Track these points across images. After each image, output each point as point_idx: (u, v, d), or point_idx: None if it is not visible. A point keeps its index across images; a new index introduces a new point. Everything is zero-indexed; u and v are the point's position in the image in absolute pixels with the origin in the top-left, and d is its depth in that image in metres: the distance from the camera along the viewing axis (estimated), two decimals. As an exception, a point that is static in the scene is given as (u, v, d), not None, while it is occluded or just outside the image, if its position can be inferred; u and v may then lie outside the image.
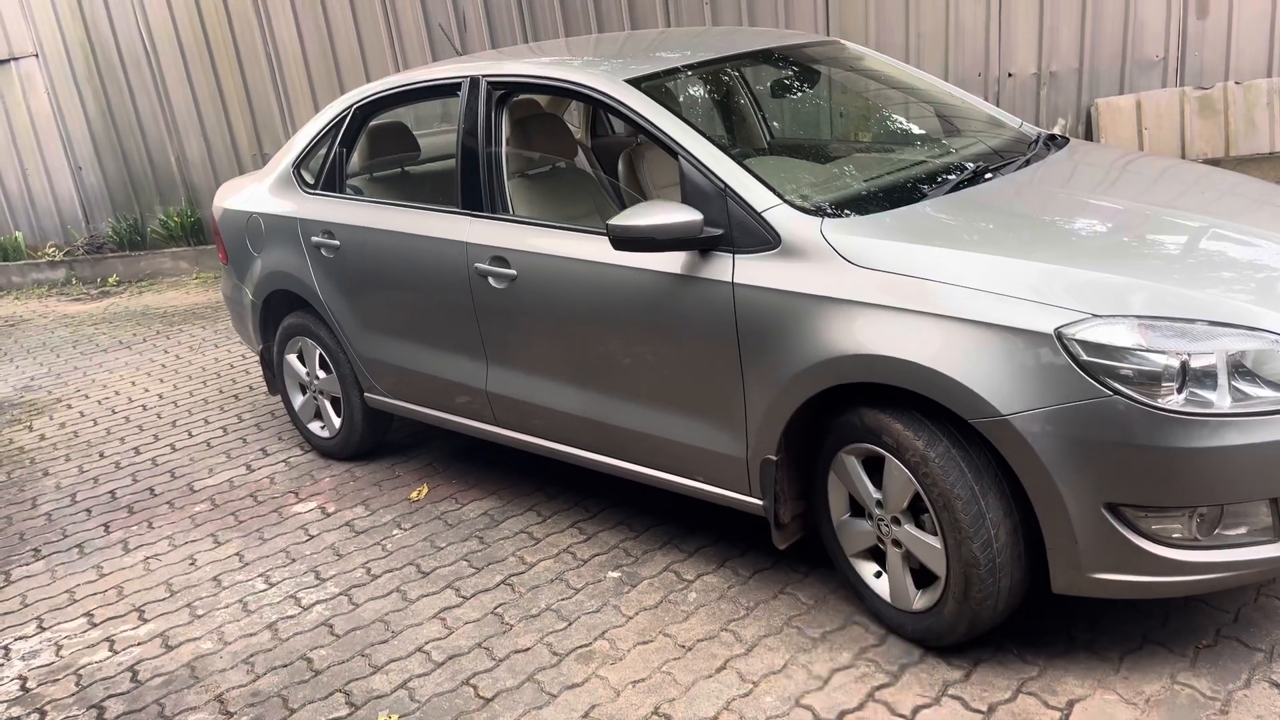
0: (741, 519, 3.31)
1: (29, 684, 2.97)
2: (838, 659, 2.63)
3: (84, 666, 3.03)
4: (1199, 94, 6.25)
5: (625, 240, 2.72)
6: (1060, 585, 2.35)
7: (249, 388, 5.44)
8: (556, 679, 2.69)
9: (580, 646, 2.82)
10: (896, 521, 2.57)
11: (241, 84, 8.36)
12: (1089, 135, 6.50)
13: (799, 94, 4.26)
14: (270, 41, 8.16)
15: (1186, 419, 2.12)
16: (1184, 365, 2.14)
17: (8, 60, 8.98)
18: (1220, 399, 2.13)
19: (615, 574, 3.17)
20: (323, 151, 4.08)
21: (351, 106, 3.97)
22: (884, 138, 4.11)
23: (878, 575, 2.73)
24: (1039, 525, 2.32)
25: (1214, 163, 6.16)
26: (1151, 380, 2.14)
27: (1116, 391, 2.15)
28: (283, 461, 4.40)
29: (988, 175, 2.96)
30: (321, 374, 4.23)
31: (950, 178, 2.94)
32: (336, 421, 4.24)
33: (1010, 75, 6.57)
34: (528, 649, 2.84)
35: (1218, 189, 2.99)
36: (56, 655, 3.11)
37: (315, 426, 4.38)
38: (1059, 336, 2.19)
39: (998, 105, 6.47)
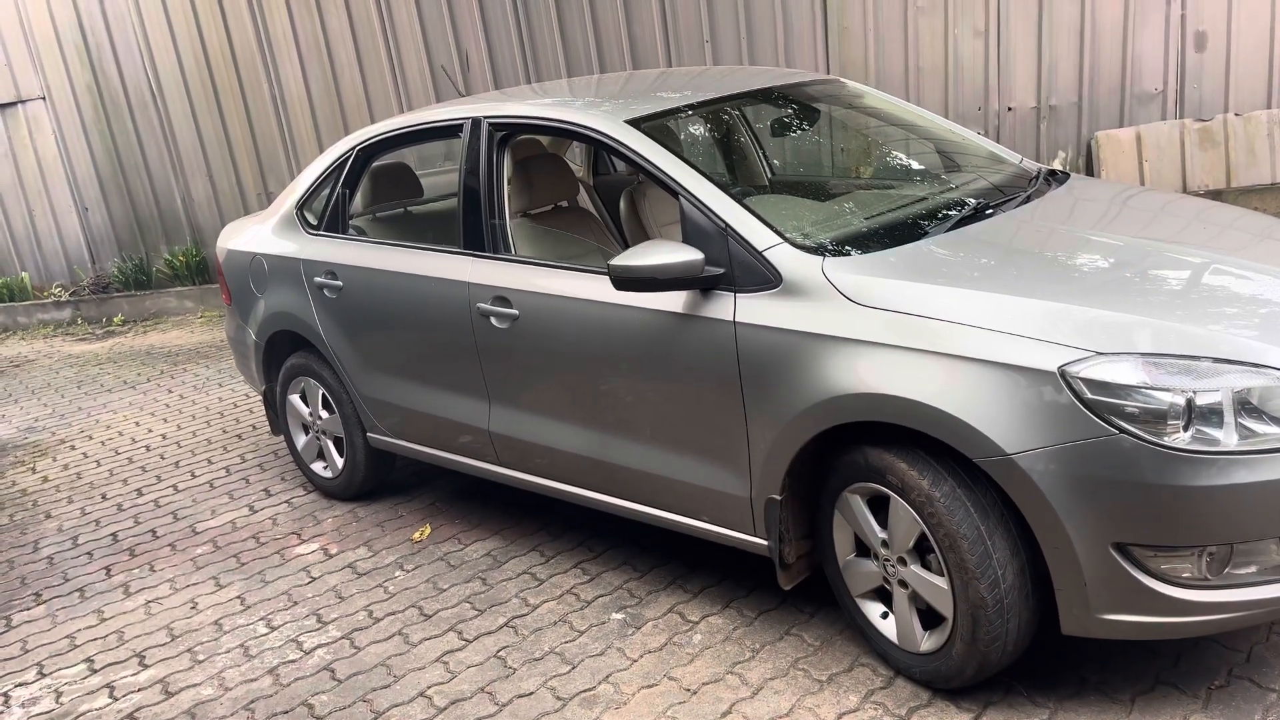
0: (746, 558, 3.29)
1: (27, 732, 2.94)
2: (845, 702, 2.60)
3: (84, 713, 3.00)
4: (1199, 126, 6.27)
5: (627, 280, 2.73)
6: (1069, 626, 2.32)
7: (252, 427, 5.43)
8: (560, 724, 2.65)
9: (584, 690, 2.78)
10: (902, 562, 2.54)
11: (247, 125, 8.44)
12: (1090, 168, 6.53)
13: (799, 132, 4.28)
14: (275, 83, 8.24)
15: (1193, 457, 2.11)
16: (1189, 403, 2.12)
17: (15, 103, 9.07)
18: (1227, 437, 2.12)
19: (619, 615, 3.14)
20: (326, 192, 4.10)
21: (354, 148, 4.00)
22: (885, 175, 4.12)
23: (884, 616, 2.69)
24: (1047, 565, 2.30)
25: (1215, 194, 6.18)
26: (1157, 418, 2.13)
27: (1122, 430, 2.13)
28: (285, 502, 4.38)
29: (989, 211, 2.96)
30: (324, 414, 4.22)
31: (952, 214, 2.95)
32: (339, 462, 4.23)
33: (1010, 109, 6.61)
34: (531, 693, 2.80)
35: (1219, 224, 2.99)
36: (56, 702, 3.08)
37: (318, 467, 4.36)
38: (1063, 374, 2.18)
39: (998, 139, 6.51)
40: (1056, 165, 4.91)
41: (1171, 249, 2.73)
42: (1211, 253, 2.69)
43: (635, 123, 3.12)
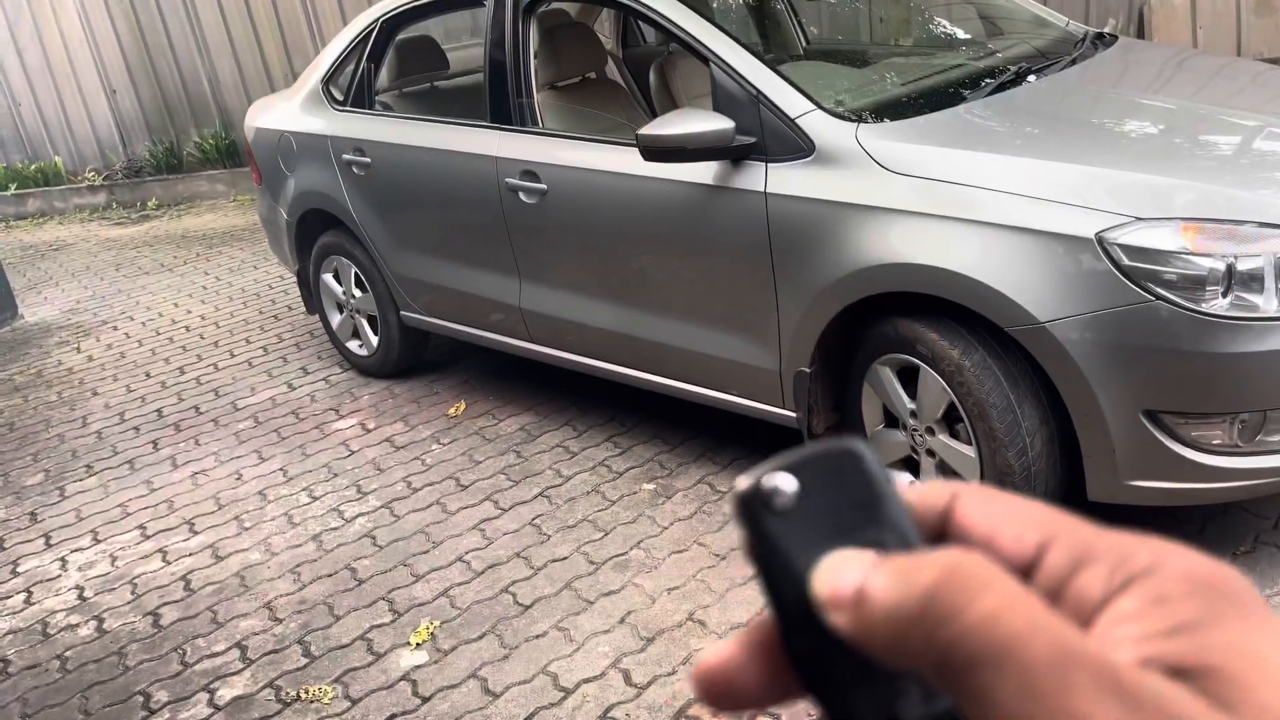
0: (775, 431, 3.32)
1: (86, 593, 3.09)
2: (871, 567, 2.65)
3: (139, 576, 3.14)
4: (1258, -10, 5.95)
5: (655, 150, 2.68)
6: (1096, 493, 2.34)
7: (288, 308, 5.50)
8: (593, 587, 2.74)
9: (616, 556, 2.87)
10: (931, 431, 2.56)
11: (271, 2, 8.26)
12: (1141, 35, 6.24)
13: (836, -3, 4.13)
14: (297, -43, 8.02)
15: (1231, 323, 2.08)
16: (1230, 268, 2.08)
17: (37, -17, 8.93)
18: (1267, 302, 2.08)
19: (650, 486, 3.20)
20: (351, 67, 4.04)
21: (378, 20, 3.92)
22: (924, 41, 3.98)
23: (911, 485, 2.72)
24: (1075, 433, 2.30)
25: (1272, 63, 5.90)
26: (1196, 284, 2.09)
27: (1159, 296, 2.10)
28: (323, 380, 4.46)
29: (1031, 77, 2.86)
30: (358, 293, 4.25)
31: (992, 80, 2.85)
32: (374, 340, 4.28)
33: (1058, -26, 6.29)
34: (565, 558, 2.89)
35: (1276, 87, 2.87)
36: (112, 566, 3.22)
37: (353, 345, 4.42)
38: (1100, 241, 2.13)
39: (1045, 4, 6.23)
40: (1107, 30, 4.67)
41: (1224, 113, 2.64)
42: (1266, 116, 2.59)
43: (665, -13, 3.02)
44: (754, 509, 0.31)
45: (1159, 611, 0.27)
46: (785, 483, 0.31)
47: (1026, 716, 0.25)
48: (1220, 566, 0.29)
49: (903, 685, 0.29)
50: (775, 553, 0.31)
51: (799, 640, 0.30)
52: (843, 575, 0.29)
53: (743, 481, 0.31)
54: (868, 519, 0.31)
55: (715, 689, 0.31)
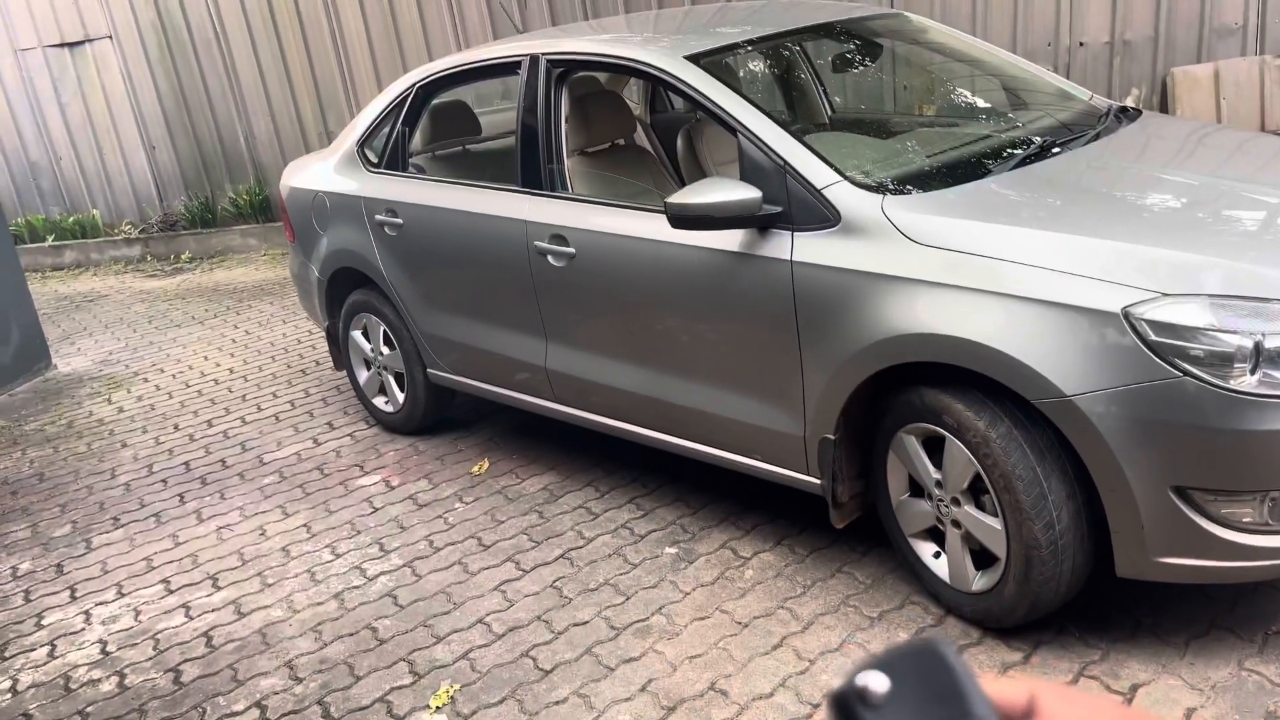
0: (799, 497, 3.31)
1: (109, 647, 3.10)
2: (895, 638, 2.63)
3: (161, 631, 3.15)
4: (1279, 63, 6.00)
5: (683, 218, 2.72)
6: (1125, 569, 2.32)
7: (316, 363, 5.56)
8: (614, 653, 2.73)
9: (637, 621, 2.85)
10: (956, 502, 2.54)
11: (307, 63, 8.49)
12: (1164, 105, 6.29)
13: (861, 68, 4.20)
14: (335, 20, 8.26)
15: (1260, 400, 2.07)
16: (1258, 345, 2.08)
17: (83, 41, 9.22)
18: (1296, 381, 2.07)
19: (672, 550, 3.19)
20: (386, 130, 4.14)
21: (414, 85, 4.02)
22: (948, 112, 4.03)
23: (936, 556, 2.71)
24: (1103, 508, 2.28)
25: (1297, 133, 5.92)
26: (1223, 361, 2.09)
27: (1186, 373, 2.10)
28: (348, 435, 4.50)
29: (1055, 150, 2.89)
30: (385, 350, 4.31)
31: (1016, 153, 2.88)
32: (400, 397, 4.32)
33: (1082, 44, 6.38)
34: (586, 622, 2.88)
35: (1299, 162, 2.89)
36: (135, 620, 3.24)
37: (380, 401, 4.47)
38: (1126, 316, 2.14)
39: (1068, 76, 6.30)
40: (1129, 102, 4.75)
41: (1247, 188, 2.65)
42: (1289, 193, 2.60)
43: (694, 59, 3.09)
44: (849, 706, 0.33)
45: None
46: (878, 680, 0.33)
47: None
48: None
49: None
50: None
51: None
52: None
53: (837, 682, 0.34)
54: (956, 713, 0.33)
55: None
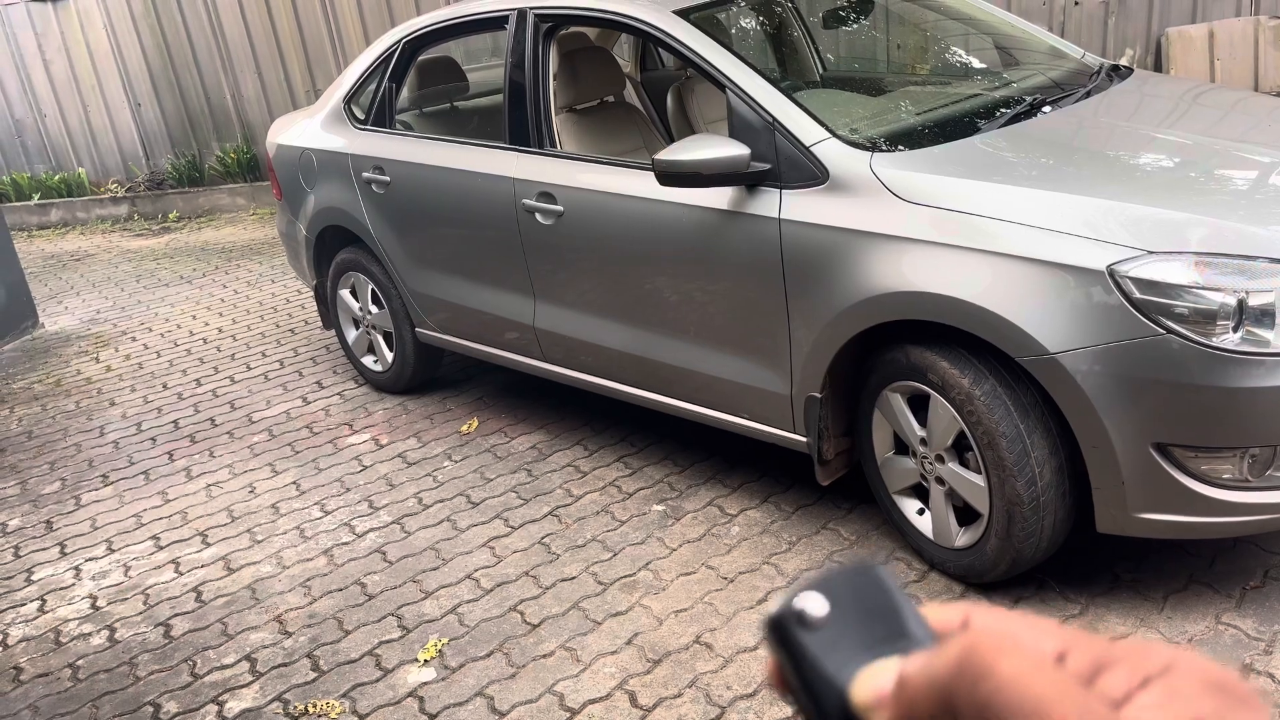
0: (785, 455, 3.33)
1: (99, 602, 3.12)
2: (878, 594, 2.65)
3: (151, 586, 3.17)
4: (1274, 23, 5.96)
5: (671, 175, 2.71)
6: (1105, 525, 2.34)
7: (304, 322, 5.55)
8: (601, 607, 2.75)
9: (624, 576, 2.88)
10: (940, 459, 2.56)
11: (295, 20, 8.37)
12: (1158, 66, 6.26)
13: (853, 26, 4.16)
14: (322, -24, 8.14)
15: (1241, 358, 2.08)
16: (1241, 303, 2.09)
17: (67, -3, 9.08)
18: (1278, 338, 2.08)
19: (659, 507, 3.22)
20: (373, 86, 4.09)
21: (401, 40, 3.97)
22: (940, 70, 4.01)
23: (920, 512, 2.73)
24: (1085, 464, 2.30)
25: (1290, 95, 5.89)
26: (1206, 318, 2.10)
27: (1170, 330, 2.11)
28: (337, 394, 4.50)
29: (1046, 108, 2.88)
30: (374, 309, 4.29)
31: (1006, 111, 2.87)
32: (389, 356, 4.32)
33: (1077, 3, 6.33)
34: (573, 578, 2.90)
35: (1289, 122, 2.88)
36: (125, 575, 3.25)
37: (368, 361, 4.46)
38: (1111, 274, 2.15)
39: (1063, 35, 6.25)
40: (1123, 62, 4.70)
41: (1239, 148, 2.65)
42: None
43: (684, 13, 3.06)
44: (788, 628, 0.34)
45: (1179, 705, 0.30)
46: (816, 603, 0.34)
47: None
48: (1230, 671, 0.32)
49: None
50: (814, 667, 0.33)
51: None
52: (882, 679, 0.32)
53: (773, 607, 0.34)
54: (893, 631, 0.34)
55: None
